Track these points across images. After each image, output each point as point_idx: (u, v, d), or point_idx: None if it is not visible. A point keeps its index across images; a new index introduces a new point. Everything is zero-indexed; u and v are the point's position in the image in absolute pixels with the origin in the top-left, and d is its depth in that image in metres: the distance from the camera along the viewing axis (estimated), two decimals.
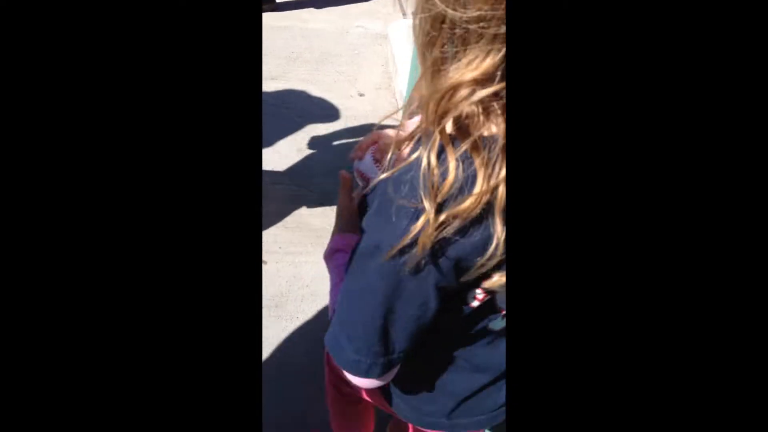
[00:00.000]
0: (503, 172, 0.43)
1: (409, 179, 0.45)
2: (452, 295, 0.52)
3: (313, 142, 2.08)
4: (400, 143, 0.48)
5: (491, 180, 0.43)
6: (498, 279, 0.49)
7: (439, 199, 0.43)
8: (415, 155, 0.45)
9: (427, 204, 0.43)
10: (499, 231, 0.44)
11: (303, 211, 1.84)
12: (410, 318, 0.51)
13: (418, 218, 0.44)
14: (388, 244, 0.46)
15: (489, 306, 0.56)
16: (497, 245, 0.44)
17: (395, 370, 0.58)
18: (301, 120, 2.18)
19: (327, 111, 2.24)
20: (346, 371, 0.56)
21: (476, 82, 0.40)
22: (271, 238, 1.73)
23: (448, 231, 0.44)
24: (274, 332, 1.50)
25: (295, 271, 1.65)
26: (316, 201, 1.87)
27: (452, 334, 0.60)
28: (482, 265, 0.46)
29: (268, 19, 2.77)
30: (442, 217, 0.43)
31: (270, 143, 2.07)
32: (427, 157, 0.43)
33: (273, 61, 2.45)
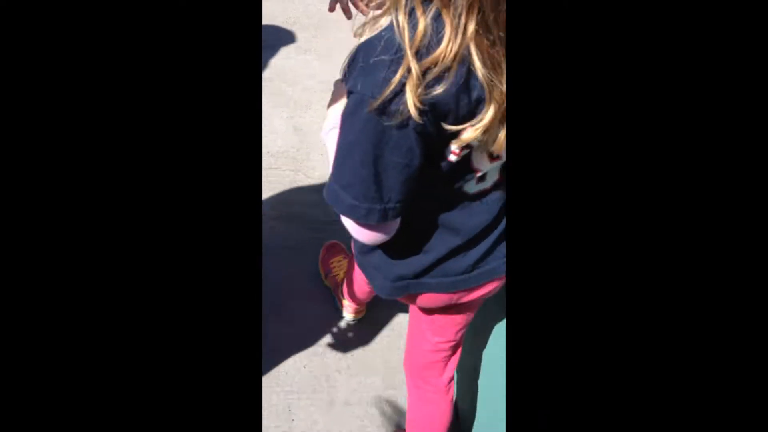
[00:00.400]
0: (471, 26, 0.48)
1: (384, 37, 0.50)
2: (432, 145, 0.56)
3: (312, 119, 1.89)
4: (376, 18, 0.53)
5: (458, 30, 0.48)
6: (471, 133, 0.54)
7: (412, 50, 0.48)
8: (386, 19, 0.51)
9: (408, 55, 0.48)
10: (479, 79, 0.50)
11: (300, 198, 1.66)
12: (398, 165, 0.55)
13: (395, 71, 0.49)
14: (370, 95, 0.51)
15: (465, 164, 0.62)
16: (474, 96, 0.51)
17: (393, 225, 0.62)
18: (298, 94, 1.99)
19: (327, 84, 2.02)
20: (346, 216, 0.61)
21: None
22: (267, 231, 1.55)
23: (429, 77, 0.49)
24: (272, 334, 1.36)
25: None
26: (315, 189, 1.68)
27: (432, 193, 0.64)
28: (458, 114, 0.52)
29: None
30: (423, 64, 0.48)
31: (264, 121, 1.88)
32: (396, 17, 0.49)
33: (268, 28, 2.22)
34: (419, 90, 0.49)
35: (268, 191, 1.66)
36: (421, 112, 0.50)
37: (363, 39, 0.53)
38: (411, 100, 0.49)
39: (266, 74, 2.05)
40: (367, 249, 0.74)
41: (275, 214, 1.61)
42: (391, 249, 0.71)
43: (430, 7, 0.48)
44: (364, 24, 0.54)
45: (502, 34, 0.49)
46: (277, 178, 1.71)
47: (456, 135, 0.55)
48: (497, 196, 0.69)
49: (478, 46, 0.49)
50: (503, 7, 0.48)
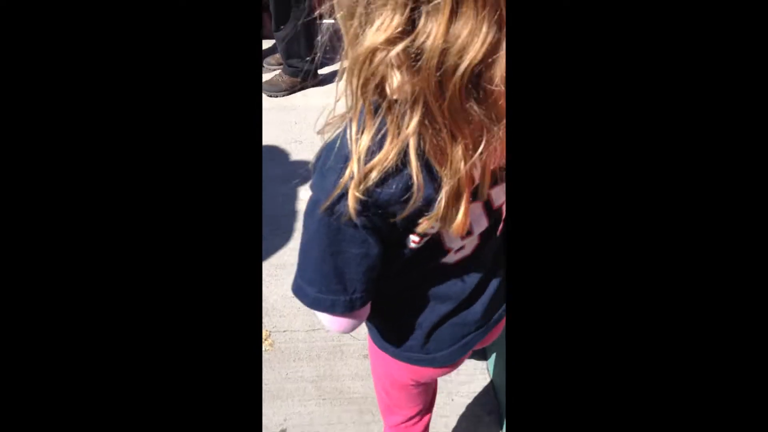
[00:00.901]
0: (413, 124, 0.48)
1: (339, 143, 0.53)
2: (389, 236, 0.59)
3: None
4: (336, 120, 0.54)
5: (401, 134, 0.49)
6: (425, 224, 0.56)
7: (356, 156, 0.50)
8: (342, 126, 0.53)
9: (353, 162, 0.50)
10: (416, 179, 0.51)
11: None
12: (356, 256, 0.59)
13: (344, 175, 0.52)
14: (324, 197, 0.54)
15: (434, 246, 0.63)
16: (416, 192, 0.52)
17: (363, 312, 0.65)
18: None
19: None
20: (313, 308, 0.64)
21: (388, 42, 0.44)
22: None
23: (370, 182, 0.51)
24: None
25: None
26: None
27: (405, 272, 0.66)
28: (407, 212, 0.53)
29: (309, 97, 2.57)
30: (364, 170, 0.50)
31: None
32: (349, 126, 0.51)
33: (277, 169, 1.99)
34: (360, 191, 0.51)
35: None
36: (361, 212, 0.53)
37: (325, 138, 0.55)
38: (351, 202, 0.52)
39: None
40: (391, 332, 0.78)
41: None
42: (386, 329, 0.77)
43: (378, 113, 0.50)
44: (326, 125, 0.54)
45: (447, 121, 0.48)
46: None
47: (411, 226, 0.57)
48: (481, 258, 0.70)
49: (423, 138, 0.49)
50: (449, 92, 0.46)
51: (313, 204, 0.57)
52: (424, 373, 0.83)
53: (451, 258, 0.68)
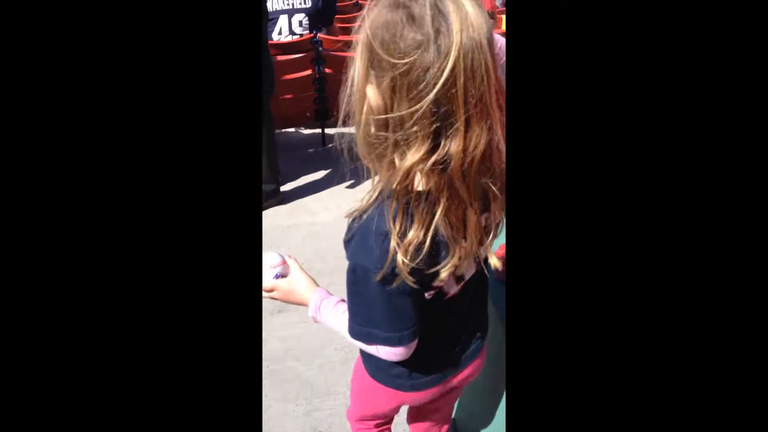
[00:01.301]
0: (441, 208, 0.65)
1: (372, 226, 0.67)
2: (421, 282, 0.71)
3: (336, 412, 1.56)
4: (363, 209, 0.70)
5: (425, 219, 0.66)
6: (443, 273, 0.70)
7: (395, 238, 0.65)
8: (371, 209, 0.69)
9: (392, 240, 0.65)
10: (443, 254, 0.70)
11: None
12: (406, 300, 0.73)
13: (387, 250, 0.66)
14: (374, 267, 0.68)
15: (441, 291, 0.80)
16: (443, 259, 0.70)
17: (416, 341, 0.78)
18: (314, 374, 1.68)
19: (351, 353, 1.71)
20: (385, 345, 0.77)
21: (422, 160, 0.62)
22: None
23: (409, 255, 0.66)
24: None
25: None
26: None
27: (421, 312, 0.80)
28: (433, 272, 0.70)
29: (274, 218, 2.59)
30: (404, 246, 0.65)
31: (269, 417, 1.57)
32: (384, 211, 0.66)
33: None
34: (407, 262, 0.66)
35: None
36: (410, 274, 0.68)
37: (353, 221, 0.72)
38: (403, 272, 0.66)
39: (270, 351, 1.77)
40: (384, 364, 0.90)
41: None
42: (379, 359, 0.87)
43: (408, 204, 0.66)
44: (354, 211, 0.72)
45: (470, 195, 0.66)
46: None
47: (432, 280, 0.73)
48: (464, 297, 0.87)
49: (446, 215, 0.66)
50: (471, 175, 0.64)
51: (364, 272, 0.71)
52: (406, 398, 0.96)
53: (443, 296, 0.83)
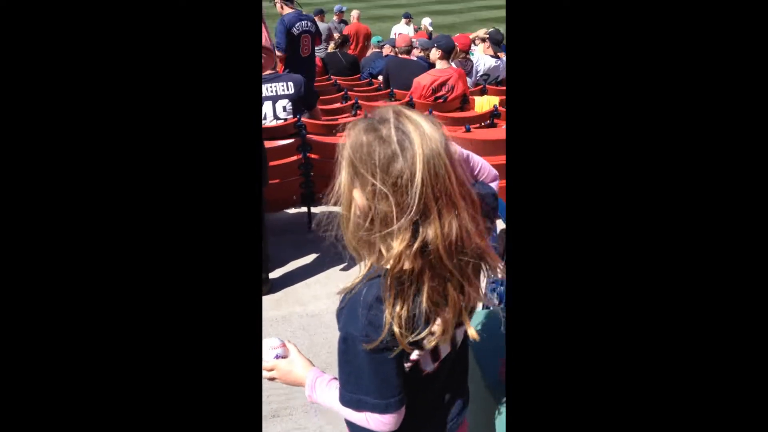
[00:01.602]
0: (426, 285, 0.79)
1: (360, 299, 0.81)
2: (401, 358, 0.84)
3: None
4: (354, 285, 0.83)
5: (412, 294, 0.79)
6: (427, 344, 0.83)
7: (390, 315, 0.78)
8: (363, 285, 0.82)
9: (387, 312, 0.79)
10: (423, 327, 0.81)
11: None
12: (393, 368, 0.82)
13: (371, 321, 0.79)
14: (360, 335, 0.80)
15: (417, 367, 0.89)
16: (431, 328, 0.82)
17: (403, 410, 0.85)
18: None
19: None
20: (373, 412, 0.84)
21: (407, 247, 0.76)
22: None
23: (403, 326, 0.79)
24: None
25: None
26: None
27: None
28: (416, 340, 0.81)
29: (263, 309, 2.51)
30: (395, 318, 0.78)
31: None
32: (378, 288, 0.80)
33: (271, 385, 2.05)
34: (404, 333, 0.78)
35: None
36: (394, 344, 0.79)
37: (345, 294, 0.83)
38: (402, 342, 0.79)
39: None
40: None
41: None
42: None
43: (398, 284, 0.79)
44: (346, 287, 0.84)
45: (451, 272, 0.79)
46: None
47: (418, 345, 0.83)
48: (442, 372, 0.95)
49: (429, 290, 0.79)
50: (453, 254, 0.78)
51: (353, 340, 0.81)
52: None
53: (422, 373, 0.92)
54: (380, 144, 0.75)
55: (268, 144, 3.01)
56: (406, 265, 0.77)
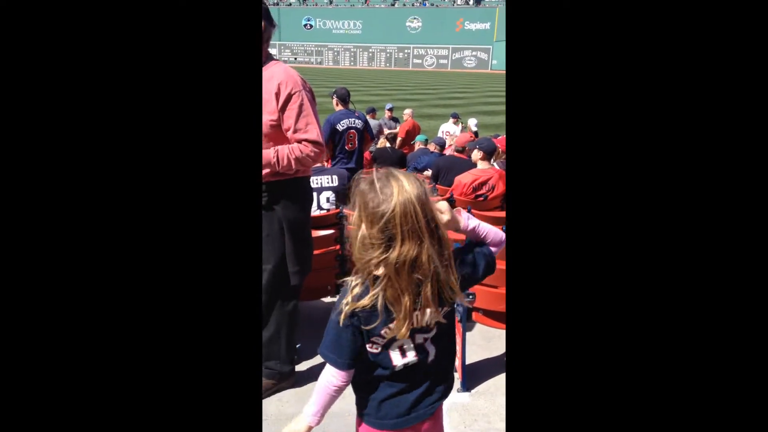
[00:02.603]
0: (379, 288, 1.18)
1: (342, 290, 1.26)
2: (362, 340, 1.26)
3: None
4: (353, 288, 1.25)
5: (374, 294, 1.18)
6: (388, 334, 1.23)
7: (351, 299, 1.21)
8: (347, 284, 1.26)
9: (346, 300, 1.22)
10: (380, 319, 1.20)
11: None
12: (348, 341, 1.25)
13: (345, 304, 1.22)
14: (335, 313, 1.24)
15: (385, 357, 1.28)
16: (381, 324, 1.21)
17: (349, 374, 1.29)
18: None
19: None
20: (327, 362, 1.29)
21: (379, 256, 1.16)
22: None
23: (358, 311, 1.21)
24: None
25: None
26: None
27: (370, 369, 1.30)
28: (371, 331, 1.22)
29: (284, 404, 2.45)
30: (356, 305, 1.20)
31: None
32: (352, 284, 1.23)
33: None
34: (350, 304, 1.21)
35: None
36: (350, 319, 1.22)
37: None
38: (343, 315, 1.21)
39: None
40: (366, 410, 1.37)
41: None
42: (359, 401, 1.37)
43: (365, 282, 1.21)
44: (342, 281, 1.27)
45: (402, 284, 1.16)
46: None
47: (372, 335, 1.24)
48: (420, 365, 1.30)
49: (385, 291, 1.17)
50: (405, 270, 1.15)
51: (334, 315, 1.23)
52: None
53: (399, 361, 1.28)
54: (373, 193, 1.15)
55: None
56: (377, 271, 1.16)
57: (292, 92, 2.16)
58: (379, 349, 1.25)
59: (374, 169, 1.22)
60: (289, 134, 2.20)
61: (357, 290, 1.19)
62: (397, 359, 1.28)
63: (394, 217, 1.11)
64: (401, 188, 1.13)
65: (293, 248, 2.35)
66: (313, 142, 2.20)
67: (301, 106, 2.17)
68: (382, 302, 1.17)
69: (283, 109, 2.17)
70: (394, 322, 1.18)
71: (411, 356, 1.28)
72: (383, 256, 1.13)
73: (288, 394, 2.56)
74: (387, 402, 1.31)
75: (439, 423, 1.41)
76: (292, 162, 2.18)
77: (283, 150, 2.18)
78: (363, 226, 1.16)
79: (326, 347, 1.27)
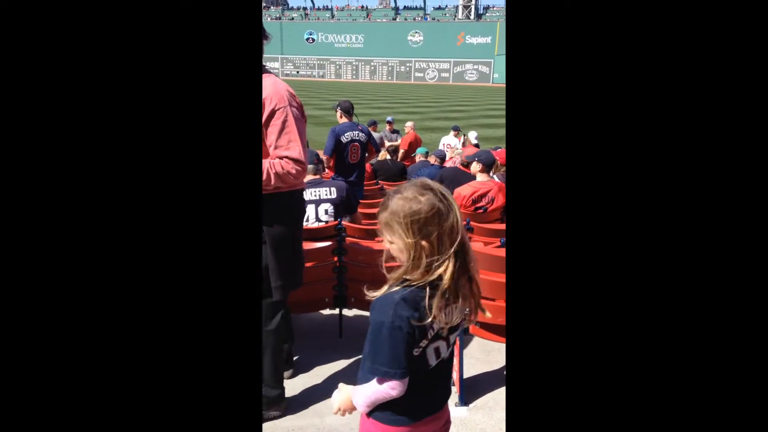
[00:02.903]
0: (450, 286, 1.21)
1: (391, 296, 1.22)
2: (415, 340, 1.23)
3: None
4: (382, 293, 1.25)
5: (435, 293, 1.19)
6: (418, 350, 1.24)
7: (416, 309, 1.20)
8: (393, 294, 1.23)
9: (409, 312, 1.21)
10: (432, 320, 1.20)
11: None
12: (402, 350, 1.21)
13: (397, 313, 1.20)
14: (387, 321, 1.19)
15: (423, 357, 1.26)
16: (429, 329, 1.23)
17: (407, 380, 1.23)
18: None
19: None
20: (383, 378, 1.24)
21: (448, 269, 1.21)
22: None
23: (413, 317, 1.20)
24: None
25: None
26: None
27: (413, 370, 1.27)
28: (423, 333, 1.23)
29: (278, 420, 2.39)
30: (423, 312, 1.20)
31: None
32: (407, 294, 1.21)
33: None
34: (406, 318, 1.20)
35: None
36: (411, 329, 1.21)
37: (376, 298, 1.26)
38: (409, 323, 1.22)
39: None
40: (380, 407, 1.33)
41: None
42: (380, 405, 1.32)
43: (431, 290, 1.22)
44: (375, 295, 1.25)
45: (457, 295, 1.22)
46: None
47: (419, 343, 1.24)
48: (439, 369, 1.31)
49: (445, 290, 1.19)
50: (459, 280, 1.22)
51: (380, 326, 1.20)
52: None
53: (433, 361, 1.29)
54: (414, 202, 1.20)
55: (306, 245, 3.09)
56: (431, 277, 1.19)
57: (276, 108, 2.12)
58: (420, 350, 1.24)
59: (400, 184, 1.24)
60: (271, 150, 2.15)
61: (414, 298, 1.18)
62: (432, 359, 1.28)
63: (459, 228, 1.19)
64: (454, 199, 1.23)
65: (276, 263, 2.27)
66: (294, 160, 2.15)
67: (284, 122, 2.13)
68: (440, 302, 1.18)
69: (266, 125, 2.13)
70: (438, 322, 1.22)
71: (444, 354, 1.31)
72: (444, 257, 1.18)
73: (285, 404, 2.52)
74: (403, 401, 1.28)
75: (448, 424, 1.41)
76: (272, 177, 2.13)
77: (264, 164, 2.13)
78: (407, 237, 1.19)
79: (383, 365, 1.22)
